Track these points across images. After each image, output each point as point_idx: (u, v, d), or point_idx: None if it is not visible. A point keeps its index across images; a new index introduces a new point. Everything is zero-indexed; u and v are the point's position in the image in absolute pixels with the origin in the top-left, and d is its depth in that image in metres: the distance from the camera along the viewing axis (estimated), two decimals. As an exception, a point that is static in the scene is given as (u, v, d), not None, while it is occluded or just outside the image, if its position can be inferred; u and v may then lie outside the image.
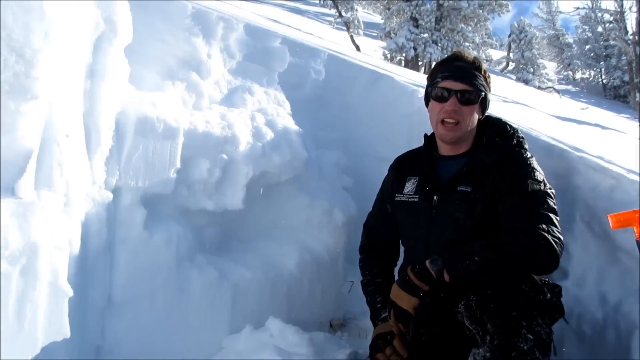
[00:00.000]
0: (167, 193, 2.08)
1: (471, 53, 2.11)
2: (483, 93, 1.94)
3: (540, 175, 1.86)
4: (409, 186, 2.02)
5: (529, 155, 1.93)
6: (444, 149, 2.02)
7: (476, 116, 1.96)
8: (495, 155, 1.91)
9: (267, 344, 2.12)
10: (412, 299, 1.72)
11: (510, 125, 2.03)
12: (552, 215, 1.75)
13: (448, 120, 1.91)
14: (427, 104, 2.05)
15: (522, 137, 2.01)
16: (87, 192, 1.80)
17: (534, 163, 1.90)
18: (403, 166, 2.12)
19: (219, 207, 2.26)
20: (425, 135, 2.11)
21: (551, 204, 1.80)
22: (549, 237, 1.68)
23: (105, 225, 1.88)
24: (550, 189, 1.84)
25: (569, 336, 2.31)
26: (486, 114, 2.06)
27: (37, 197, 1.47)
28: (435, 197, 1.91)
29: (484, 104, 1.98)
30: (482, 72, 1.96)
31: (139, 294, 1.99)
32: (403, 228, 2.04)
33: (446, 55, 2.10)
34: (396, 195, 2.05)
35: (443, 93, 1.92)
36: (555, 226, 1.73)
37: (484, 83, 1.95)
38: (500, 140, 1.96)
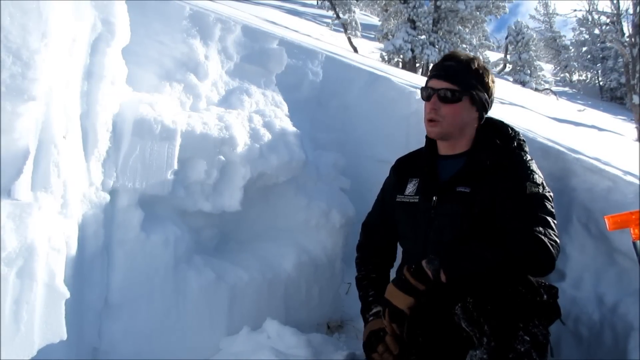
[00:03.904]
0: (164, 194, 2.07)
1: (469, 54, 2.12)
2: (469, 92, 1.93)
3: (539, 178, 1.86)
4: (410, 187, 2.03)
5: (528, 158, 1.93)
6: (442, 149, 2.03)
7: (466, 114, 1.95)
8: (495, 157, 1.91)
9: (264, 345, 2.12)
10: (408, 299, 1.72)
11: (511, 128, 2.03)
12: (549, 219, 1.76)
13: (431, 118, 1.95)
14: None
15: (523, 140, 2.01)
16: (84, 194, 1.80)
17: (534, 166, 1.90)
18: (404, 167, 2.13)
19: (216, 208, 2.26)
20: (427, 136, 2.12)
21: (549, 207, 1.80)
22: (546, 239, 1.68)
23: (102, 227, 1.88)
24: (548, 192, 1.85)
25: (566, 337, 2.31)
26: (488, 116, 2.06)
27: (34, 199, 1.47)
28: (434, 198, 1.92)
29: (476, 102, 1.97)
30: (475, 72, 1.96)
31: (136, 295, 1.99)
32: (402, 228, 2.04)
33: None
34: (397, 196, 2.05)
35: (428, 92, 1.96)
36: (552, 229, 1.74)
37: (474, 82, 1.95)
38: (501, 142, 1.96)
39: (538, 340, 1.54)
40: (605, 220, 1.73)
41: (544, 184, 1.86)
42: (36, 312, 1.43)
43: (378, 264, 2.16)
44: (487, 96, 1.99)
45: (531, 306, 1.60)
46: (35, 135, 1.47)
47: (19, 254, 1.37)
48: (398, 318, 1.75)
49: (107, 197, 1.89)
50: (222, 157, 2.24)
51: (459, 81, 1.92)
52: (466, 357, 1.61)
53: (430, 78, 1.98)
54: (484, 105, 1.99)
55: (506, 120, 2.12)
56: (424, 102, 2.01)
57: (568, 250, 2.38)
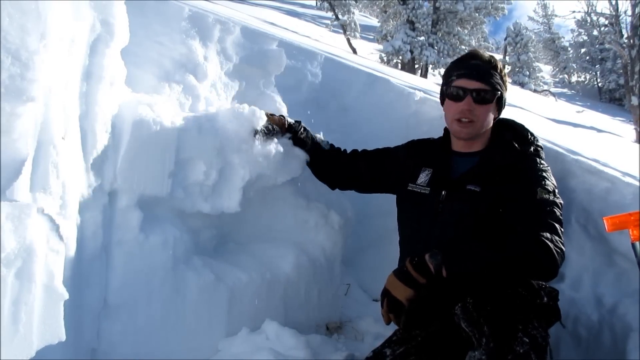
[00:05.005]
0: (163, 195, 2.07)
1: (488, 53, 2.11)
2: (499, 92, 1.94)
3: (551, 185, 1.86)
4: (423, 177, 2.03)
5: (544, 164, 1.93)
6: (457, 146, 2.04)
7: (491, 115, 1.96)
8: (510, 159, 1.91)
9: (263, 346, 2.12)
10: (408, 290, 1.72)
11: (531, 133, 2.04)
12: (557, 225, 1.76)
13: (463, 119, 1.91)
14: (442, 102, 2.06)
15: (541, 147, 2.02)
16: (83, 195, 1.80)
17: (547, 172, 1.90)
18: (419, 153, 2.13)
19: (215, 209, 2.26)
20: (445, 129, 2.12)
21: (557, 214, 1.80)
22: (551, 245, 1.68)
23: (101, 228, 1.88)
24: (559, 200, 1.85)
25: (564, 338, 2.31)
26: (509, 118, 2.08)
27: (32, 200, 1.47)
28: (443, 192, 1.92)
29: (499, 102, 1.98)
30: (498, 71, 1.96)
31: (135, 296, 1.98)
32: (405, 218, 2.05)
33: (461, 55, 2.11)
34: (409, 184, 2.05)
35: (458, 92, 1.92)
36: (559, 236, 1.74)
37: (500, 82, 1.95)
38: (519, 145, 1.96)
39: (537, 342, 1.54)
40: (604, 221, 1.73)
41: (556, 192, 1.86)
42: (35, 313, 1.43)
43: (328, 151, 2.37)
44: (505, 95, 2.01)
45: (531, 308, 1.60)
46: (34, 136, 1.47)
47: (17, 255, 1.37)
48: (396, 309, 1.75)
49: (106, 198, 1.89)
50: (221, 158, 2.24)
51: (490, 82, 1.91)
52: (465, 358, 1.61)
53: (458, 77, 1.93)
54: (504, 105, 2.01)
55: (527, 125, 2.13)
56: (447, 100, 1.98)
57: (567, 252, 2.36)
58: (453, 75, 1.96)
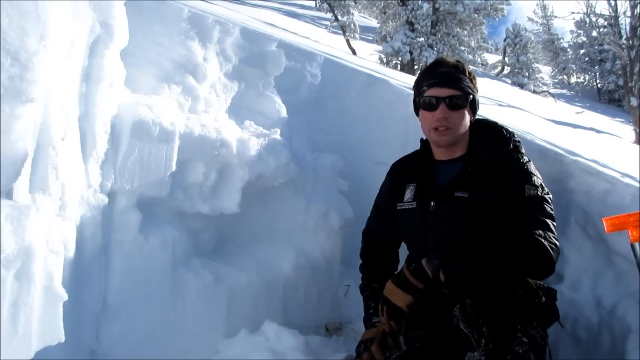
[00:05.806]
0: (162, 196, 2.07)
1: (453, 57, 2.10)
2: (471, 95, 1.94)
3: (537, 180, 1.86)
4: (408, 193, 2.02)
5: (526, 159, 1.92)
6: (439, 154, 2.01)
7: (467, 118, 1.96)
8: (493, 159, 1.91)
9: (262, 347, 2.12)
10: (407, 297, 1.72)
11: (506, 129, 2.03)
12: (548, 221, 1.76)
13: (440, 127, 1.90)
14: (417, 113, 2.05)
15: (519, 141, 2.00)
16: (82, 196, 1.80)
17: (532, 167, 1.90)
18: (401, 172, 2.11)
19: (214, 210, 2.26)
20: (422, 140, 2.10)
21: (548, 209, 1.80)
22: (545, 242, 1.68)
23: (101, 229, 1.88)
24: (547, 194, 1.84)
25: (564, 339, 2.31)
26: (482, 118, 2.06)
27: (32, 201, 1.47)
28: (432, 203, 1.91)
29: (473, 105, 1.98)
30: (467, 74, 1.96)
31: (134, 297, 1.98)
32: (404, 234, 2.04)
33: (428, 64, 2.08)
34: (397, 204, 2.04)
35: (431, 101, 1.91)
36: (552, 232, 1.74)
37: (470, 85, 1.95)
38: (497, 144, 1.96)
39: (536, 342, 1.54)
40: (603, 222, 1.73)
41: (543, 185, 1.86)
42: (34, 315, 1.43)
43: (379, 271, 2.12)
44: (477, 98, 2.00)
45: (529, 308, 1.60)
46: (33, 137, 1.47)
47: (17, 256, 1.37)
48: (396, 315, 1.75)
49: (105, 199, 1.89)
50: (220, 159, 2.24)
51: (461, 86, 1.91)
52: (464, 359, 1.61)
53: (429, 86, 1.92)
54: (477, 107, 2.00)
55: (501, 122, 2.11)
56: (422, 111, 1.95)
57: (566, 253, 2.38)
58: (424, 86, 1.94)
